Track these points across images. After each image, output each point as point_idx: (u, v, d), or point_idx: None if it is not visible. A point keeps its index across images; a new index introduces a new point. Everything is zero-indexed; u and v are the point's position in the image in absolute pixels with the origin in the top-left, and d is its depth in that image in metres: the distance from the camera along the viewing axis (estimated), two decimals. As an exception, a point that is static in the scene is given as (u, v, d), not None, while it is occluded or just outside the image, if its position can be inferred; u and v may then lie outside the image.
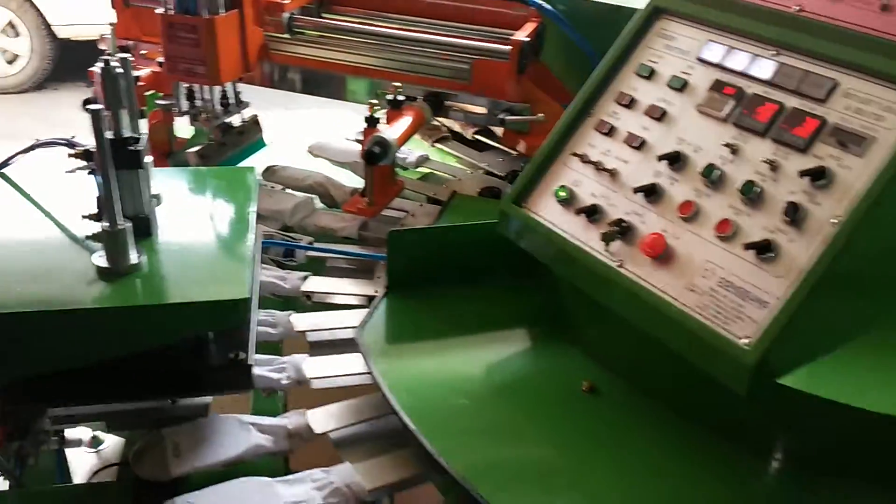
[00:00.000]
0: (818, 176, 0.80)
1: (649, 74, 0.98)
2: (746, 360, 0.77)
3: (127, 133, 0.92)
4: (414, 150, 1.70)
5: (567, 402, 0.96)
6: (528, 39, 1.42)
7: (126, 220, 0.88)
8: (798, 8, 0.89)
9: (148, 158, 0.95)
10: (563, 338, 1.06)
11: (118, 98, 0.91)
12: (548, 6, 1.48)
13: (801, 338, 0.79)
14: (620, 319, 0.92)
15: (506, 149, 1.71)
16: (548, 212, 1.00)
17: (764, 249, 0.81)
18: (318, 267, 1.30)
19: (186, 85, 1.54)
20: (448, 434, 0.89)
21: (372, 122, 1.37)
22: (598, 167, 0.97)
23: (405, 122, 1.39)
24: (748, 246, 0.82)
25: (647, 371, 0.97)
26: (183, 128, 1.63)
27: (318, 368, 1.04)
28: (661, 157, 0.92)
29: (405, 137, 1.38)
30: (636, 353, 0.97)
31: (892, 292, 0.84)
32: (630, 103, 0.98)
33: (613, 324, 0.95)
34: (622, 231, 0.92)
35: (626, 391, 0.98)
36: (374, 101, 1.38)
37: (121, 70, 0.91)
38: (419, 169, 1.68)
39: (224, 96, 1.59)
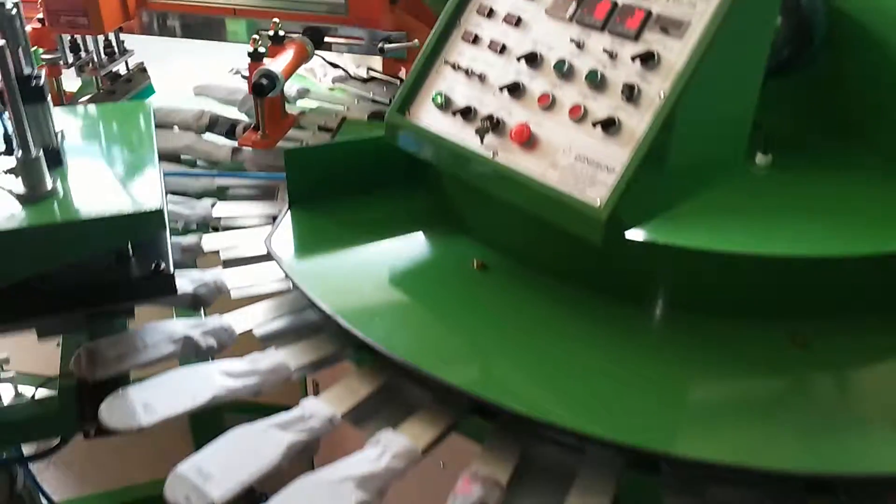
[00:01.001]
0: (647, 59, 0.95)
1: (502, -13, 1.11)
2: (600, 217, 0.93)
3: (28, 71, 0.99)
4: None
5: (462, 279, 1.10)
6: (397, -29, 1.53)
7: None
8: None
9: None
10: (454, 229, 1.20)
11: (17, 38, 0.97)
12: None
13: (644, 195, 0.95)
14: (500, 202, 1.06)
15: (388, 78, 1.82)
16: (428, 117, 1.12)
17: (608, 125, 0.96)
18: (219, 196, 1.39)
19: (69, 37, 1.57)
20: (359, 315, 1.01)
21: (256, 56, 1.44)
22: (468, 72, 1.10)
23: (288, 55, 1.48)
24: (596, 124, 0.97)
25: (530, 246, 1.12)
26: (70, 81, 1.66)
27: (236, 278, 1.14)
28: (520, 58, 1.06)
29: (290, 70, 1.46)
30: (518, 231, 1.13)
31: (714, 152, 1.02)
32: (489, 13, 1.11)
33: (495, 208, 1.10)
34: (493, 125, 1.05)
35: (512, 267, 1.12)
36: (256, 37, 1.45)
37: (15, 11, 0.97)
38: (309, 106, 1.77)
39: (108, 45, 1.62)
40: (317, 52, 1.61)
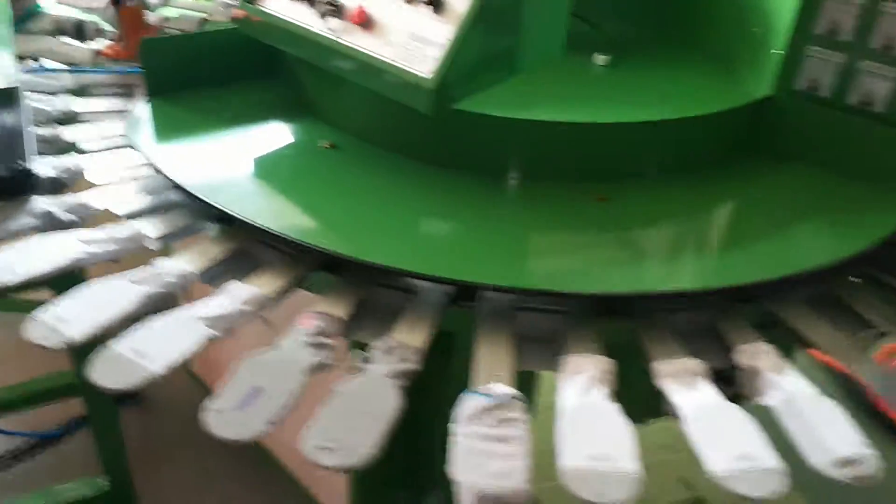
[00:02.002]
0: (469, -57, 1.05)
1: None
2: (429, 87, 1.03)
3: None
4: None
5: (313, 159, 1.19)
6: None
7: None
8: None
9: None
10: (308, 115, 1.28)
11: None
12: None
13: (469, 68, 1.06)
14: (349, 87, 1.14)
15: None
16: (276, 4, 1.19)
17: (436, 5, 1.05)
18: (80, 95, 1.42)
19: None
20: (213, 189, 1.08)
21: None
22: (312, -39, 1.17)
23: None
24: (426, 4, 1.05)
25: (376, 126, 1.21)
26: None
27: (95, 164, 1.19)
28: (358, -54, 1.13)
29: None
30: (365, 112, 1.22)
31: (534, 36, 1.13)
32: None
33: (344, 91, 1.19)
34: (335, 9, 1.12)
35: (361, 146, 1.21)
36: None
37: None
38: (171, 14, 1.77)
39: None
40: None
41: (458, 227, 1.06)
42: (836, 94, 1.17)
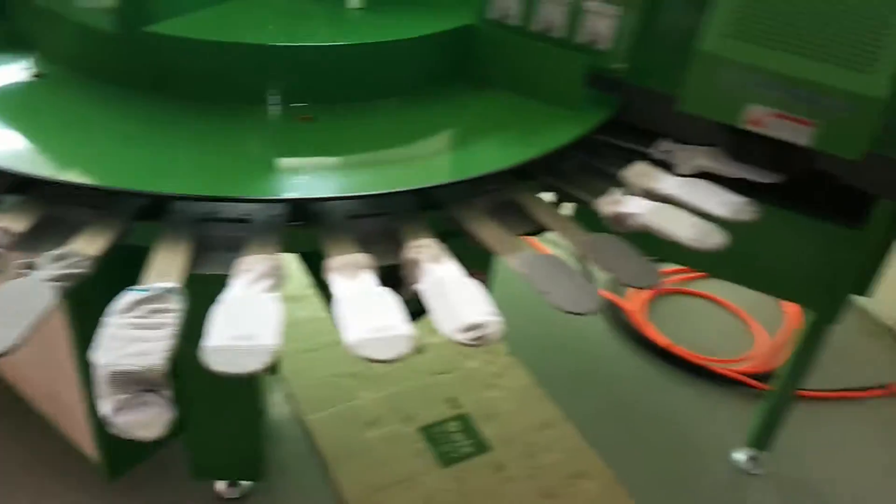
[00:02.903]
0: None
1: None
2: (112, 5, 1.04)
3: None
4: None
5: (24, 91, 1.17)
6: None
7: None
8: None
9: None
10: (24, 45, 1.26)
11: None
12: None
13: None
14: (49, 11, 1.13)
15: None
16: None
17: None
18: None
19: None
20: None
21: None
22: None
23: None
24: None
25: (81, 55, 1.21)
26: None
27: None
28: None
29: None
30: (71, 43, 1.21)
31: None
32: None
33: (51, 24, 1.18)
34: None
35: (69, 76, 1.21)
36: None
37: None
38: None
39: None
40: None
41: (152, 148, 1.08)
42: (523, 21, 1.29)
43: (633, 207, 1.08)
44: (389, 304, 0.88)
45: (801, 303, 1.62)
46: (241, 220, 1.03)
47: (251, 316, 0.83)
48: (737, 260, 1.47)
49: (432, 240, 1.01)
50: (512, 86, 1.32)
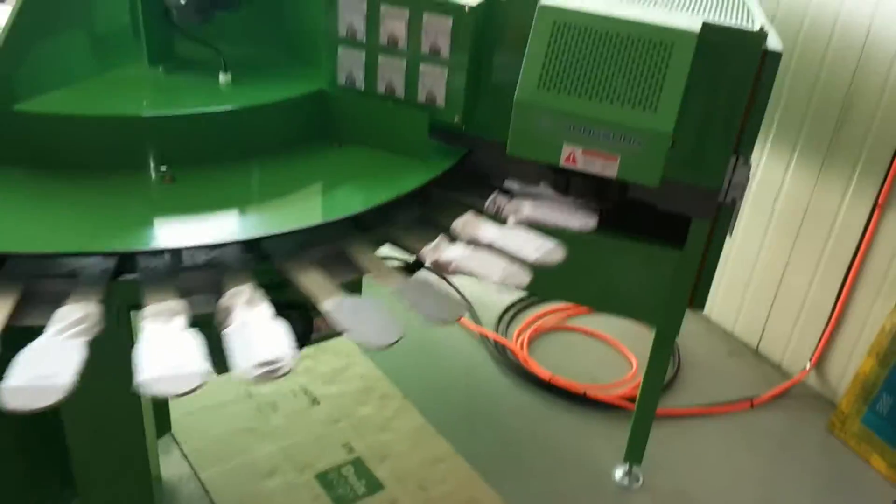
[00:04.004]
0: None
1: None
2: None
3: None
4: None
5: None
6: None
7: None
8: None
9: None
10: None
11: None
12: None
13: (26, 71, 1.18)
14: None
15: None
16: None
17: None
18: None
19: None
20: None
21: None
22: None
23: None
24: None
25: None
26: None
27: None
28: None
29: None
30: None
31: (94, 43, 1.28)
32: None
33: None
34: None
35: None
36: None
37: None
38: None
39: None
40: None
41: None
42: (369, 85, 1.44)
43: (450, 254, 1.21)
44: (190, 344, 0.96)
45: (645, 320, 1.79)
46: (69, 276, 1.10)
47: (53, 359, 0.91)
48: (585, 285, 1.64)
49: (246, 286, 1.09)
50: (367, 141, 1.46)
